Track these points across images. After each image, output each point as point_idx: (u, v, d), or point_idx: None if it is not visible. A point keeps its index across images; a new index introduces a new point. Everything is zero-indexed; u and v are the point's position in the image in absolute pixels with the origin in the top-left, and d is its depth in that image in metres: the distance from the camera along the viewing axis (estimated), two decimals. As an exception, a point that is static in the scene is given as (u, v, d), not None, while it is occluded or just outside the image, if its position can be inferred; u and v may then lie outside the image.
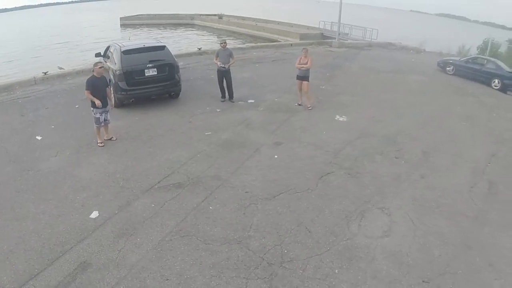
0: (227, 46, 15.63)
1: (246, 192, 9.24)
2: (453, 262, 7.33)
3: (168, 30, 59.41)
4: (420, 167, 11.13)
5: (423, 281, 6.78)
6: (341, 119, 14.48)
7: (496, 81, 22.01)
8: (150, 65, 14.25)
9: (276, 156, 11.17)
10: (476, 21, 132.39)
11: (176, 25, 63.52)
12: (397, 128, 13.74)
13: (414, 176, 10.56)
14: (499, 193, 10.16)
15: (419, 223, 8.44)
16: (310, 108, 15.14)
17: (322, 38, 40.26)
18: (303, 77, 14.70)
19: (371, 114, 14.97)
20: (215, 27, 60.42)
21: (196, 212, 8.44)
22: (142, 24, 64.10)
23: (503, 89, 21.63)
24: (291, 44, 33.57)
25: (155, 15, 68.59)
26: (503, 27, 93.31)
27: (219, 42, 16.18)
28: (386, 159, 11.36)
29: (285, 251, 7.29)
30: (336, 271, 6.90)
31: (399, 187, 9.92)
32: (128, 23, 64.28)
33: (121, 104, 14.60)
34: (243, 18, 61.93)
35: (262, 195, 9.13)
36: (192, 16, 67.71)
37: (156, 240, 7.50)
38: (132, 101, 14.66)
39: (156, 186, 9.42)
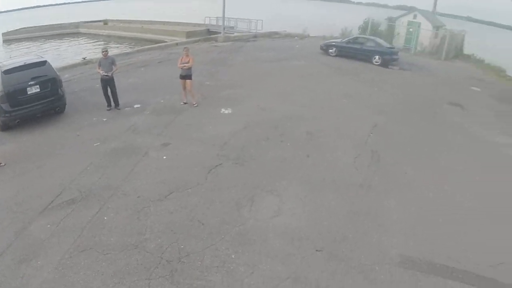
0: (109, 54, 16.22)
1: (138, 197, 9.83)
2: (343, 229, 8.71)
3: (53, 41, 57.72)
4: (305, 147, 12.59)
5: (316, 251, 7.96)
6: (226, 112, 15.58)
7: (377, 57, 25.31)
8: (32, 82, 14.46)
9: (164, 157, 11.89)
10: (359, 3, 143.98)
11: (62, 35, 62.32)
12: (281, 114, 15.21)
13: (300, 156, 11.94)
14: (381, 160, 11.97)
15: (307, 199, 9.73)
16: (196, 105, 16.10)
17: (208, 34, 42.08)
18: (185, 76, 15.77)
19: (256, 104, 16.30)
20: (101, 33, 60.55)
21: (91, 225, 8.86)
22: (27, 38, 61.71)
23: (385, 64, 25.04)
24: (177, 44, 34.66)
25: (39, 27, 66.17)
26: (385, 6, 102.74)
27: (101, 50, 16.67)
28: (272, 144, 12.67)
29: (182, 246, 8.01)
30: (233, 256, 7.78)
31: (286, 169, 11.21)
32: (11, 38, 61.44)
33: (6, 127, 14.56)
34: (129, 22, 62.64)
35: (153, 197, 9.80)
36: (76, 25, 66.67)
37: (56, 260, 7.81)
38: (18, 122, 14.67)
39: (49, 206, 9.63)
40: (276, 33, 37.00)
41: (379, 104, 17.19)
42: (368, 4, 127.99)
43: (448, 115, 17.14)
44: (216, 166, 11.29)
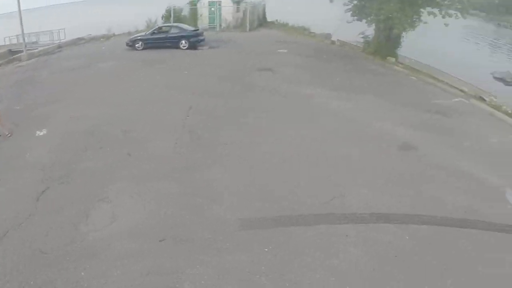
0: None
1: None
2: (181, 213, 9.66)
3: None
4: (125, 146, 13.23)
5: (159, 241, 8.76)
6: (41, 133, 15.30)
7: (183, 41, 27.31)
8: None
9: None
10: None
11: None
12: (96, 119, 15.56)
13: (122, 156, 12.62)
14: (200, 138, 13.37)
15: (139, 195, 10.47)
16: (9, 135, 15.46)
17: (11, 55, 39.52)
18: None
19: (69, 116, 16.41)
20: None
21: None
22: None
23: (192, 46, 26.97)
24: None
25: None
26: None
27: None
28: (92, 153, 13.05)
29: (31, 282, 7.88)
30: (83, 273, 7.99)
31: (112, 173, 11.71)
32: None
33: None
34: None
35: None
36: None
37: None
38: None
39: None
40: (81, 39, 36.50)
41: (191, 86, 18.74)
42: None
43: (260, 80, 19.57)
44: (44, 191, 11.20)
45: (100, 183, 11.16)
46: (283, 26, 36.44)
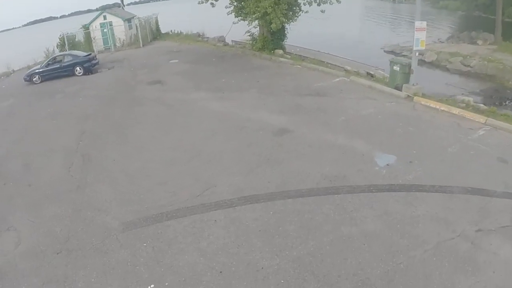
0: None
1: None
2: (70, 227, 10.52)
3: None
4: (24, 180, 13.70)
5: (57, 254, 9.61)
6: None
7: (78, 68, 27.55)
8: None
9: None
10: (63, 16, 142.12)
11: None
12: None
13: (22, 187, 13.14)
14: (92, 159, 14.16)
15: (36, 220, 11.17)
16: None
17: None
18: None
19: None
20: None
21: None
22: None
23: (88, 71, 27.23)
24: None
25: None
26: (89, 11, 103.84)
27: None
28: (4, 191, 13.36)
29: None
30: None
31: (11, 205, 12.26)
32: None
33: None
34: None
35: None
36: None
37: None
38: None
39: None
40: None
41: (84, 112, 19.37)
42: (72, 14, 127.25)
43: (149, 93, 20.63)
44: None
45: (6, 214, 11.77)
46: (177, 36, 37.54)
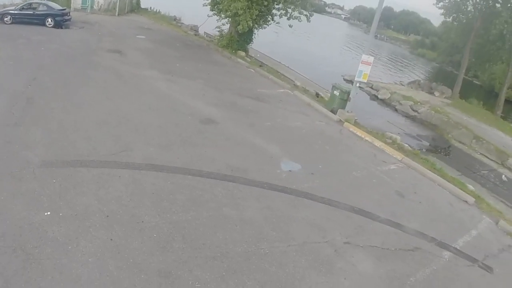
0: None
1: None
2: None
3: None
4: None
5: None
6: None
7: (49, 19, 28.31)
8: None
9: None
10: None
11: None
12: None
13: None
14: (34, 103, 15.05)
15: None
16: None
17: None
18: None
19: None
20: None
21: None
22: None
23: (58, 25, 28.07)
24: None
25: None
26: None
27: None
28: None
29: None
30: None
31: None
32: None
33: None
34: None
35: None
36: None
37: None
38: None
39: None
40: None
41: (41, 61, 20.11)
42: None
43: (106, 60, 21.48)
44: None
45: None
46: (154, 14, 38.47)
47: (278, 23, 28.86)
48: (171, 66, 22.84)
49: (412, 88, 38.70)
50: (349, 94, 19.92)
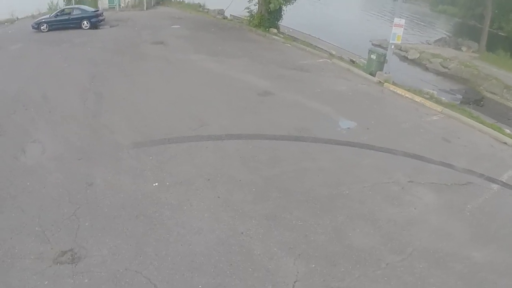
0: None
1: None
2: (90, 143, 13.41)
3: None
4: (45, 107, 16.22)
5: (78, 160, 12.30)
6: None
7: (85, 22, 30.11)
8: None
9: None
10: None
11: None
12: (15, 91, 17.95)
13: (43, 114, 15.63)
14: (103, 95, 16.94)
15: (57, 136, 13.92)
16: None
17: None
18: None
19: None
20: None
21: None
22: None
23: (94, 26, 29.89)
24: None
25: None
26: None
27: None
28: (21, 112, 15.76)
29: None
30: (28, 183, 11.31)
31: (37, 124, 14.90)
32: None
33: None
34: None
35: None
36: None
37: None
38: None
39: None
40: None
41: (93, 59, 22.00)
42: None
43: (153, 51, 23.52)
44: None
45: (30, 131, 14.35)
46: (179, 4, 40.05)
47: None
48: (214, 48, 24.52)
49: (439, 46, 39.59)
50: (385, 57, 21.41)
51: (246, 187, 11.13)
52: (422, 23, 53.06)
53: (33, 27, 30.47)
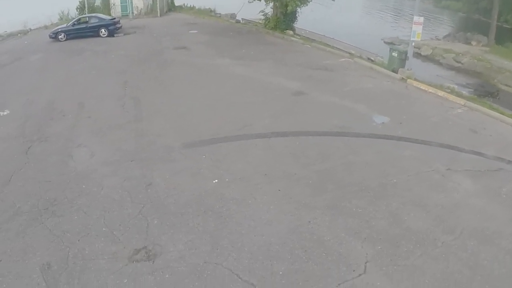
0: None
1: None
2: (138, 150, 14.25)
3: None
4: (82, 114, 17.14)
5: (131, 161, 13.16)
6: (4, 113, 17.59)
7: (103, 30, 31.32)
8: None
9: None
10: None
11: None
12: (50, 100, 18.77)
13: (83, 119, 16.61)
14: (140, 101, 17.93)
15: (102, 140, 14.78)
16: None
17: None
18: None
19: (26, 99, 19.10)
20: None
21: None
22: None
23: (111, 34, 31.15)
24: None
25: None
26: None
27: None
28: (59, 119, 16.68)
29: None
30: (83, 186, 12.11)
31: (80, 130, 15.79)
32: None
33: None
34: None
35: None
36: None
37: None
38: None
39: None
40: None
41: (119, 67, 23.09)
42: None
43: (177, 56, 24.65)
44: (29, 147, 14.35)
45: (70, 139, 15.00)
46: (191, 10, 41.28)
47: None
48: (237, 52, 25.64)
49: (448, 41, 40.64)
50: (406, 54, 22.43)
51: (303, 181, 11.99)
52: (428, 19, 54.02)
53: (50, 37, 31.56)
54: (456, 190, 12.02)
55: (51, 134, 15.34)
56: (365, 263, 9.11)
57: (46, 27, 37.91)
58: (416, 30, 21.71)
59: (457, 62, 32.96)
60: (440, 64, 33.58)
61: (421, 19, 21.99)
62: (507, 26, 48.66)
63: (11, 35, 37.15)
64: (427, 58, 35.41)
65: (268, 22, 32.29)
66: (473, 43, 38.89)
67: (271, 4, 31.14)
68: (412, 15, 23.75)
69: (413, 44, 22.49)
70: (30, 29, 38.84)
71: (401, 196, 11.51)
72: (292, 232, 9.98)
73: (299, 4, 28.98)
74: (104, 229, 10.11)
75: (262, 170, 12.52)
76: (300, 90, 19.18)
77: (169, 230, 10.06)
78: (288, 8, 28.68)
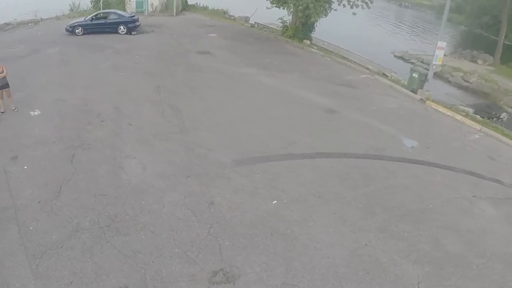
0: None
1: None
2: (192, 161, 15.52)
3: None
4: (123, 119, 17.90)
5: (187, 177, 14.08)
6: (35, 113, 17.65)
7: (122, 27, 32.37)
8: None
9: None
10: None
11: None
12: (80, 101, 19.24)
13: (125, 127, 17.32)
14: (179, 109, 19.16)
15: (151, 151, 15.59)
16: (16, 110, 17.72)
17: None
18: (3, 85, 17.37)
19: (54, 98, 19.50)
20: None
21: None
22: None
23: (129, 31, 32.25)
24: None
25: None
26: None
27: None
28: (98, 124, 17.21)
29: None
30: (143, 202, 13.02)
31: (121, 141, 16.15)
32: None
33: None
34: None
35: None
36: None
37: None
38: None
39: None
40: (7, 24, 37.68)
41: (146, 69, 24.01)
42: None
43: (203, 62, 25.96)
44: (73, 155, 14.67)
45: (116, 149, 15.35)
46: (204, 10, 42.35)
47: (335, 10, 32.62)
48: (261, 61, 27.09)
49: (455, 58, 42.46)
50: (426, 76, 24.29)
51: (353, 203, 13.55)
52: (431, 32, 55.92)
53: (67, 30, 31.98)
54: (482, 216, 13.75)
55: (93, 141, 15.70)
56: (418, 283, 10.70)
57: (57, 17, 38.47)
58: (439, 55, 23.56)
59: (465, 81, 34.77)
60: (449, 82, 35.25)
61: (444, 44, 23.79)
62: (508, 43, 50.47)
63: (21, 24, 37.36)
64: (436, 75, 36.96)
65: (287, 30, 33.68)
66: (479, 61, 40.79)
67: (287, 11, 32.56)
68: (417, 26, 25.29)
69: (434, 67, 24.26)
70: (41, 19, 38.99)
71: (438, 221, 13.17)
72: (353, 255, 11.40)
73: (321, 16, 30.35)
74: (176, 249, 10.65)
75: (315, 191, 13.94)
76: (331, 107, 20.84)
77: (242, 251, 10.84)
78: (311, 19, 30.01)
